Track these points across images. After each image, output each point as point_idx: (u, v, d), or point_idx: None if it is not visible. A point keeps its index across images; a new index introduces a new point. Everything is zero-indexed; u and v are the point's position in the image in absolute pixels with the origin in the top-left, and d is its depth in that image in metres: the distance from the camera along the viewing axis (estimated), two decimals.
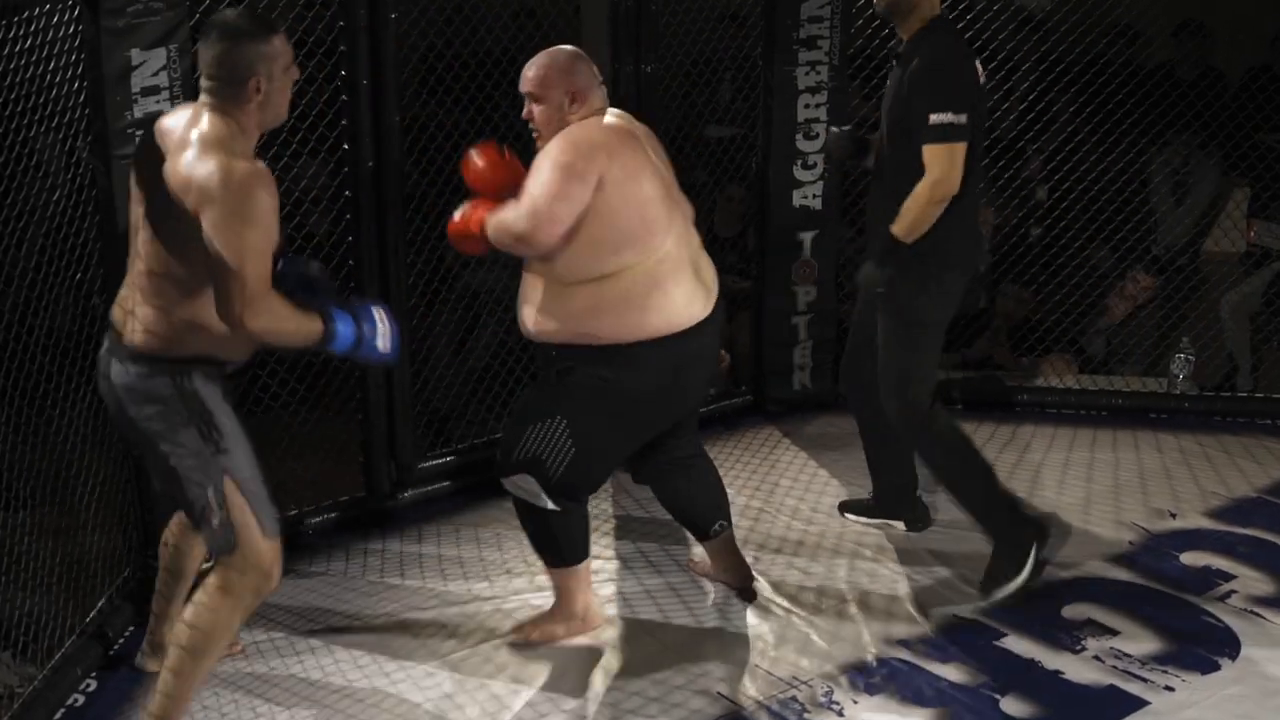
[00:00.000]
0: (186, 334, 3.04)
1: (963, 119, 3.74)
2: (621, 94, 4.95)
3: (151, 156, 3.05)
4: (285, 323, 3.01)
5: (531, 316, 3.58)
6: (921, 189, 3.76)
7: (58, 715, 3.60)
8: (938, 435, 4.12)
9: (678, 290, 3.51)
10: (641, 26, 4.95)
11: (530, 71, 3.56)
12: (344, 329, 3.08)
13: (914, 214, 3.80)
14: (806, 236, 5.36)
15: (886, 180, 3.99)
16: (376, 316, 3.15)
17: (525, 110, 3.59)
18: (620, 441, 3.72)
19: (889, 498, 4.53)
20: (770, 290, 5.46)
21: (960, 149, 3.77)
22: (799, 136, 5.26)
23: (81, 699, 3.68)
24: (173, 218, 2.94)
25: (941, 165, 3.74)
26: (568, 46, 3.65)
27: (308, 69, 4.45)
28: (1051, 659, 3.75)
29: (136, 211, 3.13)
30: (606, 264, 3.44)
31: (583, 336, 3.49)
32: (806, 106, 5.23)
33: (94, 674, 3.78)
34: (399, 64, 4.49)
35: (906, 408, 4.05)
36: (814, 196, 5.31)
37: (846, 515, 4.64)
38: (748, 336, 5.60)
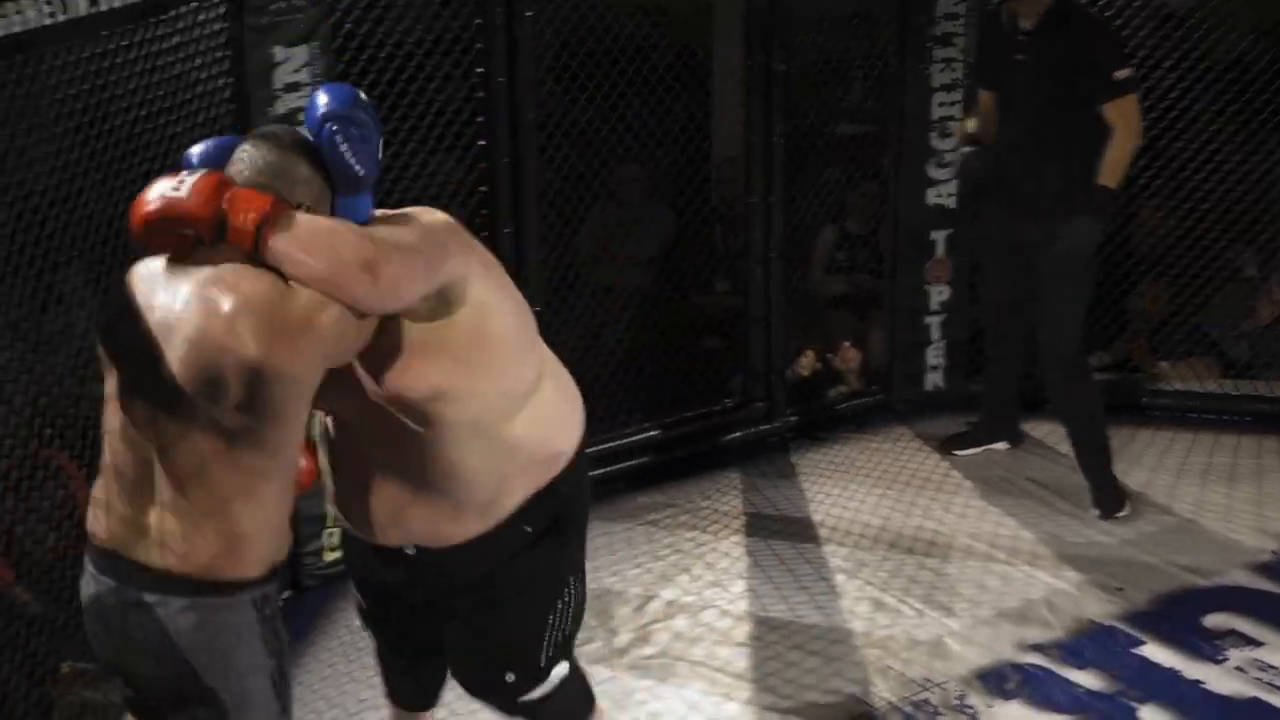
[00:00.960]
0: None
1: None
2: (753, 92, 5.01)
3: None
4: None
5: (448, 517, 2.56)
6: (1125, 140, 4.26)
7: None
8: (1087, 378, 4.68)
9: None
10: (774, 25, 4.98)
11: None
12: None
13: (1124, 163, 4.32)
14: (940, 235, 5.38)
15: (1049, 143, 4.34)
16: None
17: None
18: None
19: (997, 424, 5.05)
20: (902, 289, 5.48)
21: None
22: (933, 134, 5.27)
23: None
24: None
25: (1137, 114, 4.31)
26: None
27: (444, 66, 4.62)
28: (1192, 669, 3.74)
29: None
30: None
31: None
32: (941, 104, 5.24)
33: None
34: (534, 61, 4.57)
35: (1072, 353, 4.54)
36: (948, 195, 5.31)
37: (954, 453, 5.08)
38: (879, 335, 5.62)
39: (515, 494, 2.54)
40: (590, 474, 2.90)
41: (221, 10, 3.89)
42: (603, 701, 3.68)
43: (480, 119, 4.58)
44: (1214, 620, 4.01)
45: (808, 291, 5.66)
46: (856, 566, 4.41)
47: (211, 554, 2.24)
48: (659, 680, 3.83)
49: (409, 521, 2.53)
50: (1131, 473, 4.97)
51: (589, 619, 4.09)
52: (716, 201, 5.67)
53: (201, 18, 3.83)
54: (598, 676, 3.81)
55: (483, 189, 4.66)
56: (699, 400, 5.35)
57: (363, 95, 2.39)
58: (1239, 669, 3.77)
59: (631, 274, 5.50)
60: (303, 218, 2.22)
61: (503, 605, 2.66)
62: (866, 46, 5.54)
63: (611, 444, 5.04)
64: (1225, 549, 4.48)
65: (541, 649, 2.71)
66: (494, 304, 2.48)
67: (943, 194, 5.33)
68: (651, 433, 5.18)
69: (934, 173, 5.32)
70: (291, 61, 4.03)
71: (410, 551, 2.59)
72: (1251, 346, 5.62)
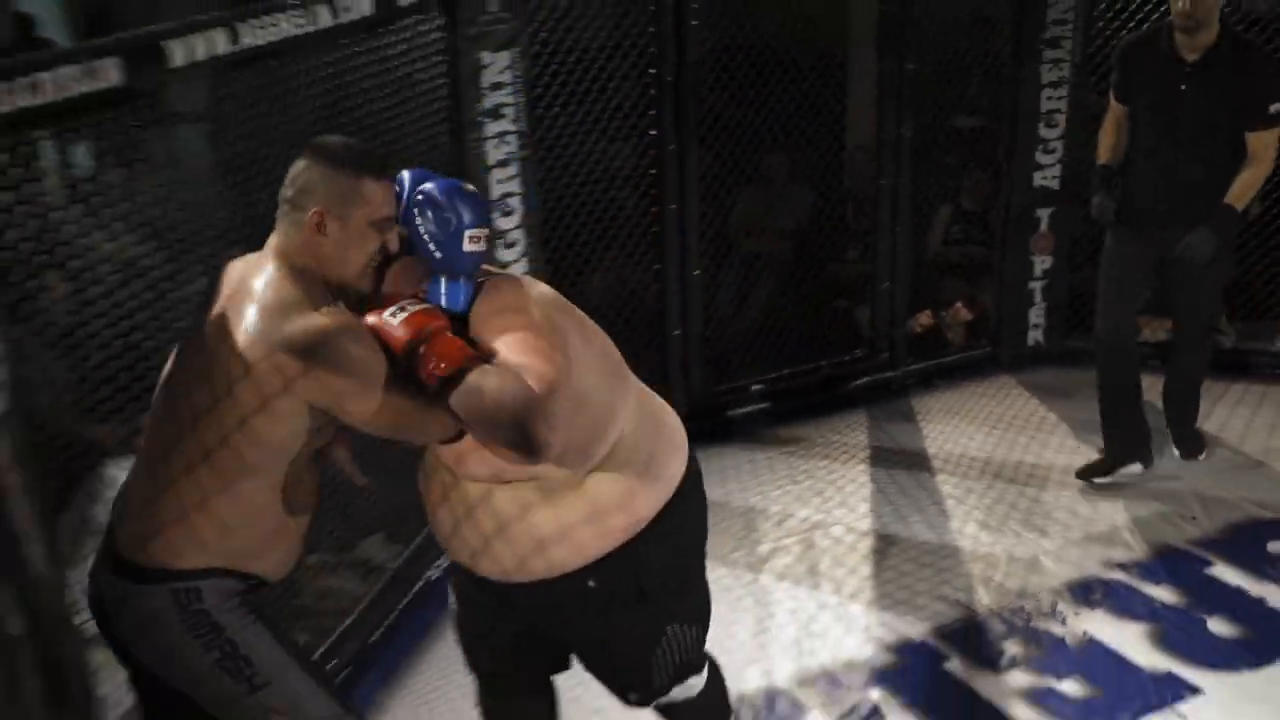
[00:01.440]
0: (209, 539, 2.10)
1: None
2: (885, 90, 5.00)
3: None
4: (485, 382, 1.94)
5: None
6: (1262, 167, 3.94)
7: (417, 586, 3.90)
8: (1207, 346, 4.48)
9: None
10: (904, 29, 4.93)
11: None
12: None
13: (1255, 188, 4.03)
14: (1044, 213, 5.29)
15: (1202, 159, 3.96)
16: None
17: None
18: (704, 573, 2.54)
19: (1127, 448, 4.41)
20: (1010, 259, 5.39)
21: None
22: (1041, 125, 5.19)
23: (436, 574, 3.92)
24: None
25: (1276, 145, 3.92)
26: None
27: (622, 68, 4.68)
28: (1256, 588, 3.69)
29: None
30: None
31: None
32: (1049, 99, 5.14)
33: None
34: (698, 64, 4.58)
35: (1206, 324, 4.39)
36: (1052, 178, 5.24)
37: (1093, 480, 4.40)
38: (989, 298, 5.57)
39: (584, 550, 2.23)
40: (703, 482, 2.48)
41: (439, 22, 3.95)
42: (745, 597, 3.78)
43: (651, 113, 4.62)
44: (1276, 547, 3.95)
45: (926, 260, 5.63)
46: (964, 494, 4.40)
47: (154, 541, 2.09)
48: (794, 584, 3.88)
49: (489, 555, 2.26)
50: (1207, 421, 4.86)
51: (738, 530, 4.19)
52: (849, 183, 5.66)
53: (423, 28, 3.90)
54: (742, 580, 3.89)
55: (652, 172, 4.71)
56: (832, 351, 5.36)
57: (467, 187, 2.19)
58: None
59: (776, 244, 5.54)
60: (490, 380, 1.92)
61: (598, 649, 2.47)
62: (984, 47, 5.46)
63: (758, 386, 5.09)
64: None
65: (652, 679, 2.43)
66: (588, 389, 2.17)
67: (1048, 177, 5.25)
68: (791, 377, 5.20)
69: (1041, 159, 5.23)
70: (495, 65, 4.09)
71: (494, 579, 2.32)
72: None
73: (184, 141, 3.91)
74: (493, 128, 4.13)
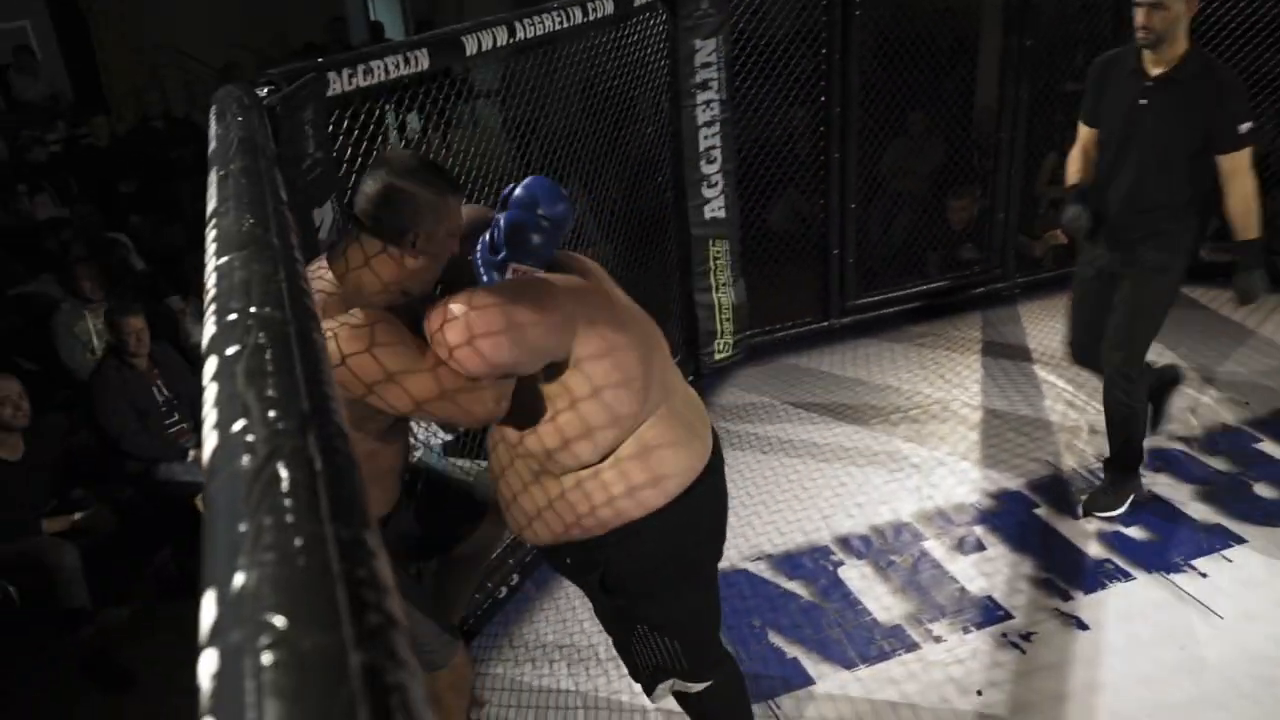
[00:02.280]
0: None
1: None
2: (1007, 62, 4.75)
3: None
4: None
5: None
6: (1245, 187, 2.87)
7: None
8: (1143, 387, 3.22)
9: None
10: (1026, 13, 4.64)
11: None
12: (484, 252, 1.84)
13: (1255, 208, 2.90)
14: None
15: (1159, 177, 2.94)
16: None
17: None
18: (707, 594, 2.10)
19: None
20: None
21: None
22: None
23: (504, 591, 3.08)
24: None
25: (1250, 163, 2.89)
26: None
27: (800, 48, 4.58)
28: None
29: None
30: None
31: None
32: None
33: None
34: (859, 44, 4.45)
35: (1138, 360, 3.16)
36: None
37: (1094, 515, 3.30)
38: None
39: (555, 531, 1.92)
40: (709, 508, 2.00)
41: (663, 16, 3.94)
42: (880, 453, 3.77)
43: (822, 83, 4.51)
44: None
45: (1034, 196, 5.38)
46: (1056, 379, 4.24)
47: None
48: (918, 444, 3.84)
49: (509, 515, 2.01)
50: (1264, 324, 4.55)
51: (876, 403, 4.16)
52: (976, 135, 5.43)
53: (651, 21, 3.91)
54: (879, 440, 3.87)
55: (821, 129, 4.60)
56: (956, 266, 5.21)
57: (544, 213, 1.82)
58: None
59: (915, 184, 5.38)
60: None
61: (603, 610, 2.09)
62: (1088, 26, 5.13)
63: (896, 293, 4.99)
64: None
65: (634, 666, 2.08)
66: (598, 383, 1.79)
67: None
68: (923, 286, 5.06)
69: None
70: (704, 49, 4.05)
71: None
72: None
73: (482, 110, 4.04)
74: (701, 96, 4.11)
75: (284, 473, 0.54)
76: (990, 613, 2.88)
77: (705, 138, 4.17)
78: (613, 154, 3.94)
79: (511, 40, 2.97)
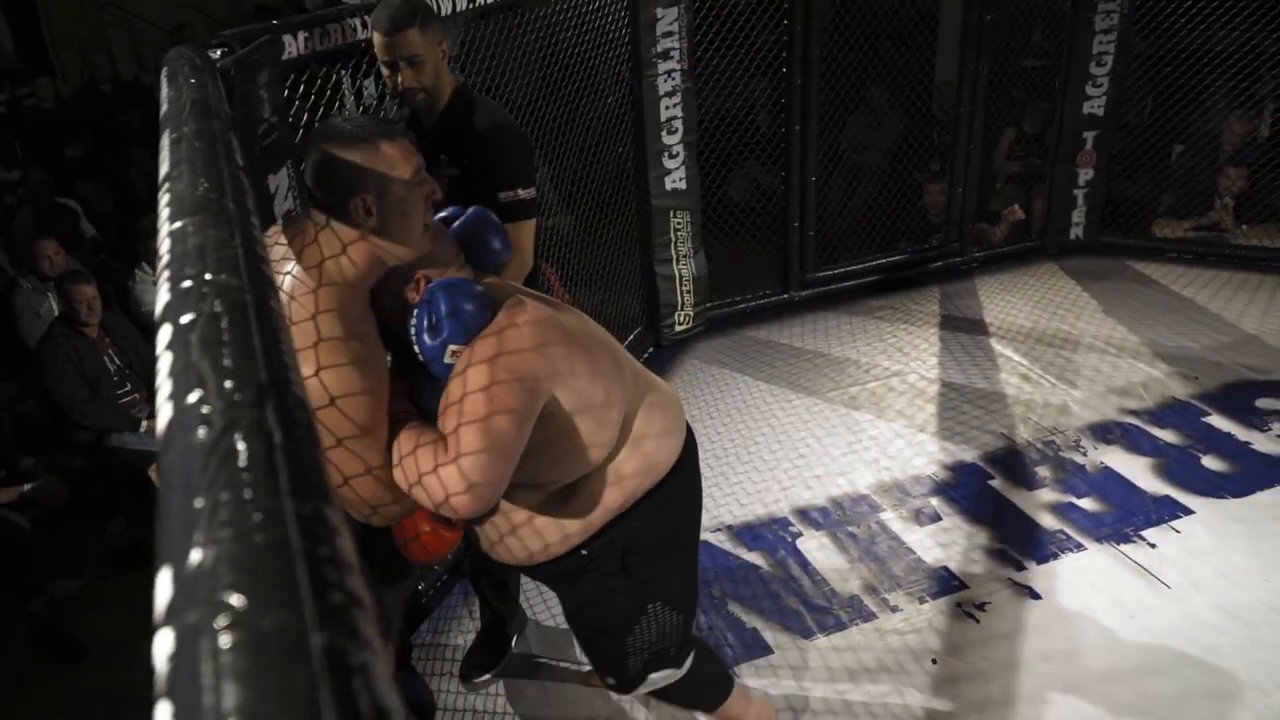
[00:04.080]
0: None
1: None
2: (967, 37, 4.76)
3: None
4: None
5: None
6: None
7: None
8: None
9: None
10: None
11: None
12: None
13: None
14: (1090, 135, 5.01)
15: None
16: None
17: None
18: (693, 563, 2.05)
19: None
20: (1060, 170, 5.12)
21: None
22: (1092, 64, 4.89)
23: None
24: None
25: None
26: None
27: (763, 20, 4.55)
28: (1244, 434, 3.54)
29: None
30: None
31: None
32: (1099, 43, 4.82)
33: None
34: (820, 17, 4.43)
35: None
36: (1099, 106, 4.94)
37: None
38: (1038, 203, 5.35)
39: (571, 537, 1.81)
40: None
41: None
42: (839, 425, 3.79)
43: (783, 55, 4.49)
44: (1264, 403, 3.76)
45: (993, 171, 5.42)
46: (1011, 353, 4.29)
47: None
48: (876, 416, 3.87)
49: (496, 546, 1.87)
50: (1213, 301, 4.64)
51: (835, 375, 4.18)
52: (935, 110, 5.45)
53: None
54: (837, 412, 3.88)
55: (783, 101, 4.59)
56: (914, 239, 5.24)
57: (465, 306, 1.55)
58: (1278, 437, 3.55)
59: (874, 158, 5.40)
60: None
61: (582, 623, 2.00)
62: (1047, 2, 5.16)
63: (855, 266, 5.01)
64: (1277, 354, 4.14)
65: (628, 664, 1.97)
66: (580, 403, 1.65)
67: (1094, 106, 4.96)
68: (882, 259, 5.09)
69: (1090, 91, 4.94)
70: (666, 18, 4.03)
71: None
72: None
73: None
74: (663, 66, 4.08)
75: (241, 446, 0.52)
76: (945, 583, 2.92)
77: (666, 108, 4.14)
78: (573, 123, 3.90)
79: (471, 5, 2.92)
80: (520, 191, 2.25)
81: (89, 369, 3.69)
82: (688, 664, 2.04)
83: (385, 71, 2.29)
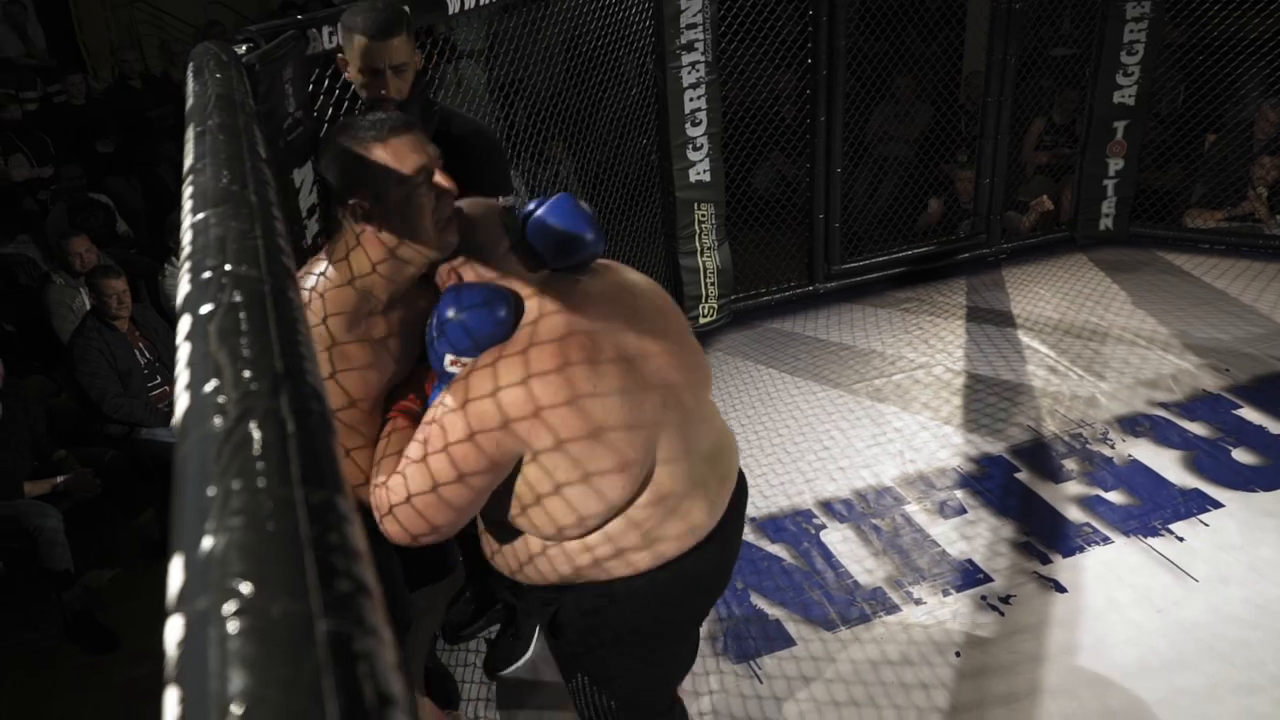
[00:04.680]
0: None
1: None
2: (995, 25, 4.71)
3: None
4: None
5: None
6: None
7: None
8: None
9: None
10: None
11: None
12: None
13: None
14: (1120, 124, 4.95)
15: None
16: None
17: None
18: (666, 659, 1.82)
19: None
20: (1090, 160, 5.06)
21: None
22: (1123, 53, 4.83)
23: None
24: None
25: None
26: None
27: (787, 9, 4.53)
28: (1276, 427, 3.47)
29: None
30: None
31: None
32: (1131, 31, 4.77)
33: None
34: (846, 7, 4.41)
35: None
36: (1129, 96, 4.88)
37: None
38: (1068, 193, 5.29)
39: (522, 571, 1.66)
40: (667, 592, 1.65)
41: None
42: (864, 418, 3.77)
43: (808, 46, 4.46)
44: None
45: (1022, 162, 5.36)
46: (1039, 344, 4.25)
47: None
48: (901, 408, 3.84)
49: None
50: (1246, 292, 4.57)
51: (860, 367, 4.16)
52: (963, 100, 5.40)
53: None
54: (862, 404, 3.86)
55: (808, 92, 4.56)
56: (942, 230, 5.20)
57: (464, 317, 1.48)
58: None
59: (901, 149, 5.36)
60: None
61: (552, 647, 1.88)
62: None
63: (881, 258, 4.98)
64: None
65: (580, 711, 1.86)
66: (560, 475, 1.49)
67: (1125, 95, 4.89)
68: (909, 251, 5.05)
69: (1120, 80, 4.87)
70: (690, 9, 4.01)
71: None
72: None
73: (466, 70, 3.97)
74: (687, 58, 4.07)
75: (255, 434, 0.52)
76: (970, 575, 2.90)
77: (690, 100, 4.13)
78: (597, 116, 3.90)
79: None
80: (502, 199, 2.20)
81: (120, 362, 3.73)
82: None
83: (360, 79, 2.14)
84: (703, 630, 2.21)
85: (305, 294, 1.48)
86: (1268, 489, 3.17)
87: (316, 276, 1.54)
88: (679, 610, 1.72)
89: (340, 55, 2.19)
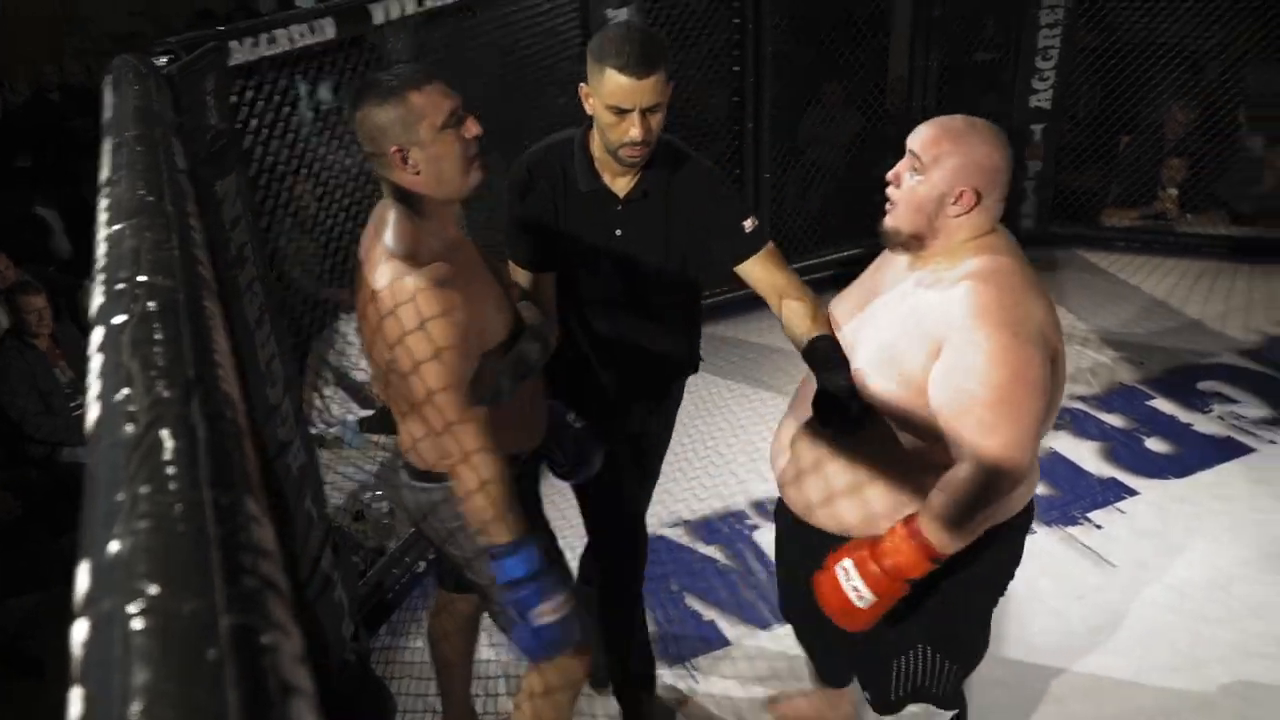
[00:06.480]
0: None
1: None
2: (917, 32, 4.82)
3: None
4: (498, 499, 1.62)
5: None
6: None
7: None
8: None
9: None
10: None
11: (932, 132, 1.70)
12: (515, 565, 1.64)
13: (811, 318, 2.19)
14: (1037, 128, 5.10)
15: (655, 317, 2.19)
16: (545, 608, 1.64)
17: (892, 174, 1.80)
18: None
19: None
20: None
21: None
22: (1038, 59, 4.98)
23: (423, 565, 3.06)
24: None
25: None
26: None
27: (715, 18, 4.57)
28: (1186, 416, 3.64)
29: None
30: None
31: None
32: (1045, 37, 4.91)
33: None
34: (772, 14, 4.47)
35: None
36: (1045, 100, 5.03)
37: None
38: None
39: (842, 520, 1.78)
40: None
41: None
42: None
43: (736, 53, 4.52)
44: (1205, 385, 3.88)
45: None
46: None
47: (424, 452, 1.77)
48: None
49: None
50: (1159, 288, 4.73)
51: (790, 368, 4.21)
52: (889, 105, 5.50)
53: None
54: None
55: (735, 99, 4.62)
56: (873, 232, 5.29)
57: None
58: (1219, 418, 3.65)
59: (830, 154, 5.43)
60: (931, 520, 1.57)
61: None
62: None
63: (813, 260, 5.05)
64: (1219, 338, 4.25)
65: (891, 686, 1.89)
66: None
67: (1041, 100, 5.05)
68: (840, 252, 5.14)
69: (1036, 85, 5.02)
70: (618, 17, 4.00)
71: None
72: (1255, 204, 5.21)
73: None
74: None
75: (166, 440, 0.53)
76: None
77: None
78: (530, 124, 3.90)
79: (421, 8, 2.91)
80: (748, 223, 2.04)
81: (41, 381, 3.64)
82: (949, 714, 1.90)
83: (608, 118, 1.79)
84: None
85: (379, 265, 1.59)
86: (1179, 476, 3.30)
87: (383, 244, 1.62)
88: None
89: (582, 85, 1.86)
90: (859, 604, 1.60)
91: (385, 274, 1.58)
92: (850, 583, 1.60)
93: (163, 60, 2.02)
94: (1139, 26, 4.97)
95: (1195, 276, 4.88)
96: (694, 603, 2.89)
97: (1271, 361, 4.04)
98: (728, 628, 2.78)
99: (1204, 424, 3.59)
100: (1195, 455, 3.42)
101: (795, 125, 5.13)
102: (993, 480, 1.52)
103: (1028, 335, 1.53)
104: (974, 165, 1.63)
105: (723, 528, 3.22)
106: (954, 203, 1.64)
